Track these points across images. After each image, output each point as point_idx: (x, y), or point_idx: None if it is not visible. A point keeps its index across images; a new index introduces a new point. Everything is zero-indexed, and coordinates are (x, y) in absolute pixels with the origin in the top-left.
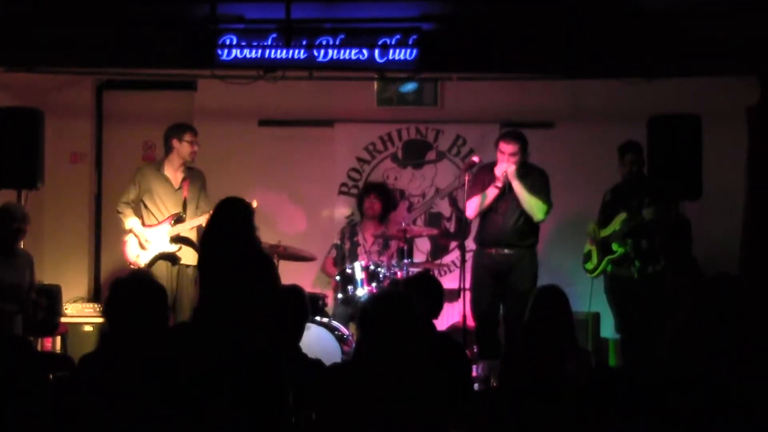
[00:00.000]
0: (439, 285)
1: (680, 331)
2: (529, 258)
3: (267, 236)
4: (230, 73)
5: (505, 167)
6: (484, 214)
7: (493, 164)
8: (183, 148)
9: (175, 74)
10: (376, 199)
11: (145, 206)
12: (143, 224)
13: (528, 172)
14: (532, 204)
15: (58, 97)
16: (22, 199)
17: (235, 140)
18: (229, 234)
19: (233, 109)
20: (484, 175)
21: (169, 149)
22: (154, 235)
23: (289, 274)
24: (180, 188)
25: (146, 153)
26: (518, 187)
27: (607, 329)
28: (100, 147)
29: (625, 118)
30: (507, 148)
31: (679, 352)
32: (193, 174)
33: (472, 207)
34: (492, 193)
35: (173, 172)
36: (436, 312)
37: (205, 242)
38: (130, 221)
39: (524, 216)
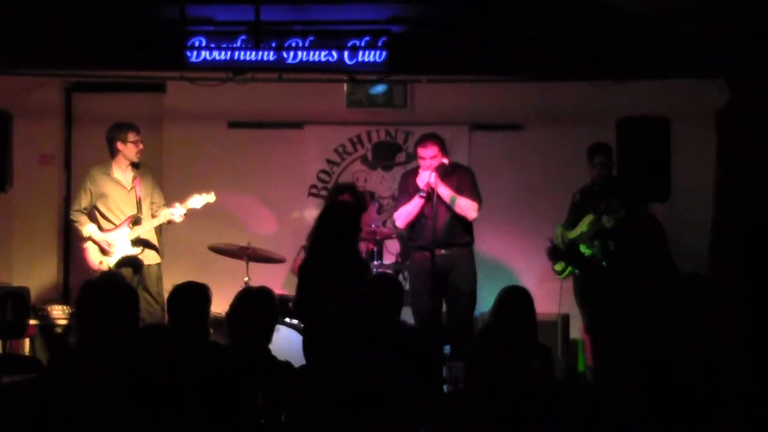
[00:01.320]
0: (399, 285)
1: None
2: (467, 257)
3: (237, 238)
4: (199, 75)
5: (426, 177)
6: (416, 220)
7: (418, 169)
8: (128, 149)
9: (144, 76)
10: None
11: (99, 212)
12: (101, 229)
13: (453, 170)
14: (462, 205)
15: (27, 99)
16: None
17: (205, 142)
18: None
19: (203, 111)
20: (409, 182)
21: (114, 152)
22: (115, 239)
23: (259, 275)
24: (132, 188)
25: None
26: (444, 192)
27: (576, 330)
28: (69, 149)
29: (594, 121)
30: (426, 152)
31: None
32: (142, 171)
33: (402, 217)
34: (418, 202)
35: (122, 173)
36: (396, 312)
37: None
38: (88, 228)
39: (455, 217)
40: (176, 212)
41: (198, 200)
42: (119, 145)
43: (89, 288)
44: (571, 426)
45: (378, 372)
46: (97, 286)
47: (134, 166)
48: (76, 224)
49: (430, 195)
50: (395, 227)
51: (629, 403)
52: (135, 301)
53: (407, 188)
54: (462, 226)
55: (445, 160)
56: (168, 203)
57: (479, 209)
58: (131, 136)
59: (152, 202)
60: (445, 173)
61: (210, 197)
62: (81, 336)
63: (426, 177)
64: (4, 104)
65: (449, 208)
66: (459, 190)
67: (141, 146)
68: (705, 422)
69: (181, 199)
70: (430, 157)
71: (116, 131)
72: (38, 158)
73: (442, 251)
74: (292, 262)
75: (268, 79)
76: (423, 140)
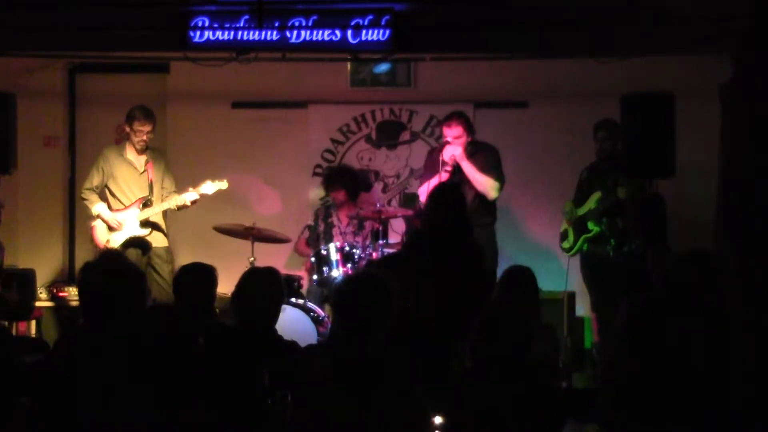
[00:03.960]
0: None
1: (642, 308)
2: (487, 237)
3: (241, 218)
4: (203, 56)
5: (452, 151)
6: None
7: (444, 146)
8: (132, 136)
9: (147, 57)
10: (337, 190)
11: (110, 191)
12: (110, 209)
13: (477, 150)
14: (483, 184)
15: (30, 81)
16: None
17: (209, 122)
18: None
19: (206, 92)
20: (435, 158)
21: (127, 134)
22: (123, 219)
23: (263, 255)
24: (144, 171)
25: (119, 136)
26: (468, 169)
27: (583, 308)
28: (73, 130)
29: (599, 97)
30: (450, 132)
31: (637, 328)
32: (155, 155)
33: (426, 192)
34: (443, 177)
35: (136, 156)
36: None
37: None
38: (98, 206)
39: (478, 196)
40: (188, 197)
41: (210, 186)
42: (127, 129)
43: (89, 269)
44: (575, 404)
45: (383, 352)
46: (97, 266)
47: (150, 150)
48: (86, 202)
49: (455, 170)
50: (405, 204)
51: (632, 380)
52: (138, 280)
53: (433, 165)
54: (484, 205)
55: (470, 140)
56: (173, 183)
57: (500, 189)
58: (137, 124)
59: (163, 187)
60: (470, 152)
61: (223, 184)
62: (86, 317)
63: (451, 151)
64: (7, 86)
65: (472, 187)
66: (483, 169)
67: (144, 137)
68: (711, 402)
69: (187, 181)
70: (454, 137)
71: (128, 115)
72: (42, 140)
73: None
74: (296, 242)
75: (272, 59)
76: (448, 119)
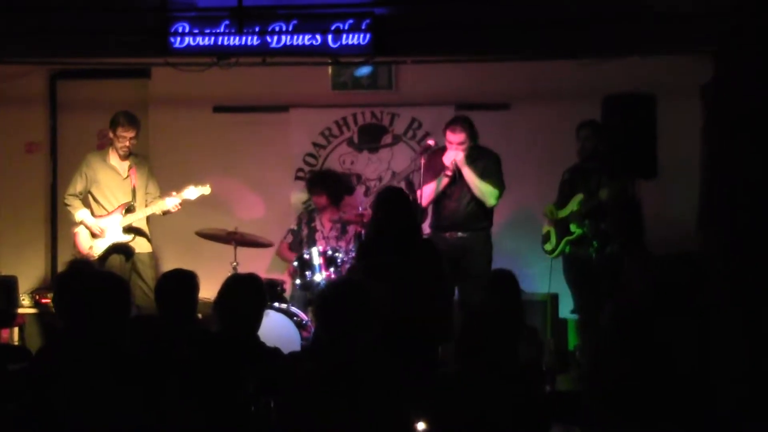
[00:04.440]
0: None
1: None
2: (483, 241)
3: (224, 223)
4: (184, 61)
5: (453, 155)
6: (438, 200)
7: (445, 149)
8: (116, 141)
9: (128, 63)
10: (319, 194)
11: (93, 197)
12: (93, 215)
13: (479, 156)
14: (483, 190)
15: (12, 87)
16: None
17: (191, 127)
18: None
19: (188, 96)
20: (436, 160)
21: (110, 140)
22: (106, 225)
23: (246, 259)
24: (128, 177)
25: (101, 142)
26: (468, 175)
27: (566, 310)
28: (55, 136)
29: (580, 98)
30: (454, 137)
31: (625, 329)
32: (138, 160)
33: (426, 194)
34: (442, 181)
35: (119, 161)
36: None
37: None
38: (80, 213)
39: (476, 200)
40: (170, 202)
41: (193, 191)
42: (110, 135)
43: (59, 280)
44: (559, 407)
45: (366, 357)
46: (67, 276)
47: (133, 156)
48: (69, 208)
49: (455, 176)
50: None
51: (620, 381)
52: (115, 286)
53: (433, 167)
54: (482, 210)
55: (472, 145)
56: (157, 188)
57: (499, 197)
58: (120, 130)
59: (147, 193)
60: (472, 157)
61: (205, 189)
62: (65, 324)
63: (452, 156)
64: None
65: (471, 191)
66: (482, 175)
67: (127, 143)
68: (700, 403)
69: (169, 185)
70: (458, 143)
71: (111, 121)
72: (24, 146)
73: (458, 234)
74: (278, 246)
75: (253, 64)
76: (453, 124)
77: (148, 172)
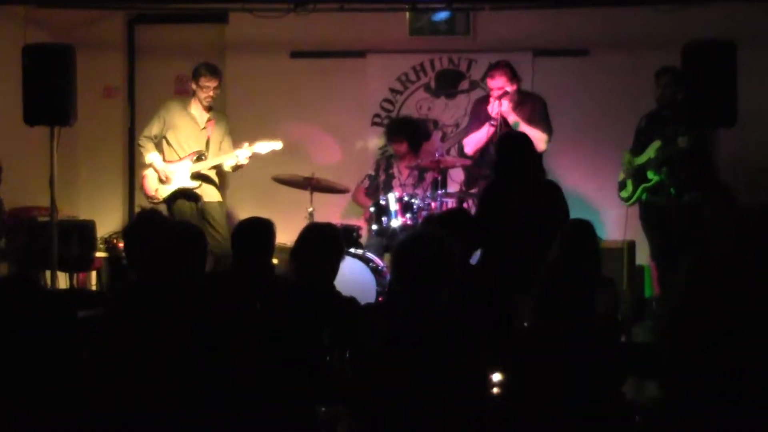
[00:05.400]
0: (472, 222)
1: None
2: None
3: (300, 168)
4: (261, 7)
5: (497, 107)
6: (485, 149)
7: (490, 96)
8: (199, 92)
9: (206, 8)
10: (400, 141)
11: (168, 142)
12: (164, 160)
13: (524, 101)
14: (532, 136)
15: (90, 33)
16: (55, 136)
17: (268, 73)
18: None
19: (265, 42)
20: (481, 109)
21: (193, 91)
22: (175, 171)
23: (322, 205)
24: (205, 128)
25: (179, 87)
26: (515, 122)
27: (642, 257)
28: (132, 81)
29: (660, 45)
30: (494, 83)
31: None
32: (219, 116)
33: (471, 144)
34: (488, 130)
35: (200, 112)
36: (470, 250)
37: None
38: (151, 156)
39: None
40: (242, 154)
41: (264, 146)
42: (193, 85)
43: (128, 231)
44: (635, 359)
45: (443, 309)
46: (136, 227)
47: (214, 110)
48: (141, 149)
49: (501, 124)
50: (462, 154)
51: (698, 335)
52: (188, 237)
53: (478, 115)
54: None
55: (515, 89)
56: (231, 147)
57: (549, 141)
58: (203, 81)
59: (220, 149)
60: (516, 102)
61: (277, 144)
62: (138, 273)
63: (497, 107)
64: (66, 38)
65: None
66: (530, 121)
67: (211, 93)
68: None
69: (245, 131)
70: (497, 88)
71: (194, 71)
72: (102, 91)
73: None
74: (354, 191)
75: (330, 9)
76: (491, 70)
77: (225, 129)
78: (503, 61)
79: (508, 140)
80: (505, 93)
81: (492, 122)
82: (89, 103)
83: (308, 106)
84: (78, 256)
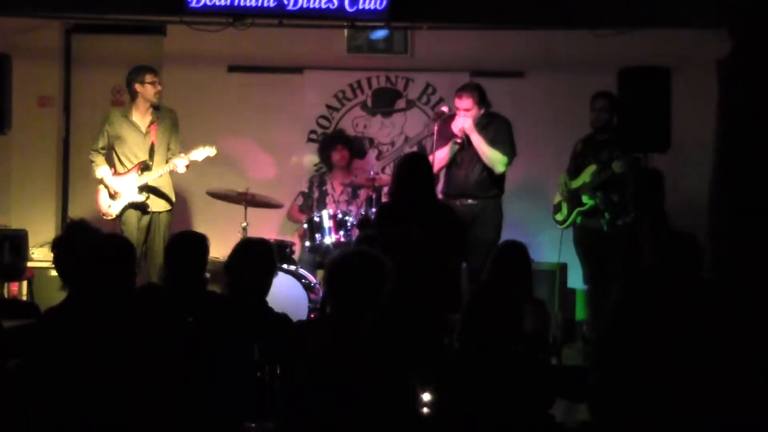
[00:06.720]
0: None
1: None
2: (492, 209)
3: (235, 183)
4: (199, 20)
5: (461, 123)
6: (448, 167)
7: (455, 115)
8: (146, 90)
9: (144, 20)
10: (344, 149)
11: (116, 153)
12: (114, 173)
13: (489, 122)
14: (491, 157)
15: (26, 41)
16: None
17: (205, 86)
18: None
19: (203, 55)
20: (447, 127)
21: (133, 94)
22: (123, 184)
23: (256, 220)
24: (147, 133)
25: (115, 97)
26: (477, 141)
27: (575, 280)
28: (68, 91)
29: (596, 69)
30: (461, 103)
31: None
32: (161, 115)
33: (437, 161)
34: (452, 148)
35: (141, 117)
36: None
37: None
38: (101, 171)
39: (486, 168)
40: (179, 163)
41: (200, 153)
42: (137, 87)
43: (57, 243)
44: (565, 381)
45: (374, 328)
46: (64, 239)
47: (155, 109)
48: (92, 164)
49: (464, 142)
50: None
51: (628, 358)
52: (114, 249)
53: (445, 133)
54: (492, 178)
55: (482, 113)
56: (178, 145)
57: (509, 163)
58: (148, 77)
59: (169, 149)
60: (482, 124)
61: (211, 150)
62: (69, 286)
63: (461, 123)
64: (2, 46)
65: (481, 159)
66: (493, 142)
67: (159, 87)
68: (708, 378)
69: (182, 144)
70: (464, 109)
71: (134, 74)
72: (37, 100)
73: (468, 201)
74: (289, 208)
75: (269, 25)
76: (459, 91)
77: (171, 127)
78: (473, 84)
79: (404, 161)
80: (477, 114)
81: (456, 140)
82: (24, 111)
83: (245, 120)
84: (10, 266)
